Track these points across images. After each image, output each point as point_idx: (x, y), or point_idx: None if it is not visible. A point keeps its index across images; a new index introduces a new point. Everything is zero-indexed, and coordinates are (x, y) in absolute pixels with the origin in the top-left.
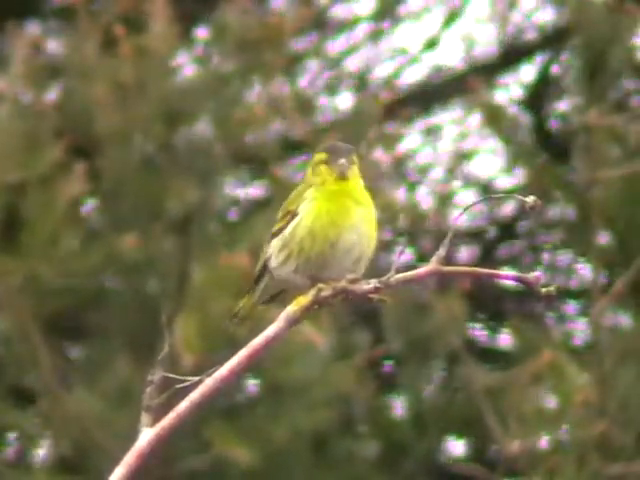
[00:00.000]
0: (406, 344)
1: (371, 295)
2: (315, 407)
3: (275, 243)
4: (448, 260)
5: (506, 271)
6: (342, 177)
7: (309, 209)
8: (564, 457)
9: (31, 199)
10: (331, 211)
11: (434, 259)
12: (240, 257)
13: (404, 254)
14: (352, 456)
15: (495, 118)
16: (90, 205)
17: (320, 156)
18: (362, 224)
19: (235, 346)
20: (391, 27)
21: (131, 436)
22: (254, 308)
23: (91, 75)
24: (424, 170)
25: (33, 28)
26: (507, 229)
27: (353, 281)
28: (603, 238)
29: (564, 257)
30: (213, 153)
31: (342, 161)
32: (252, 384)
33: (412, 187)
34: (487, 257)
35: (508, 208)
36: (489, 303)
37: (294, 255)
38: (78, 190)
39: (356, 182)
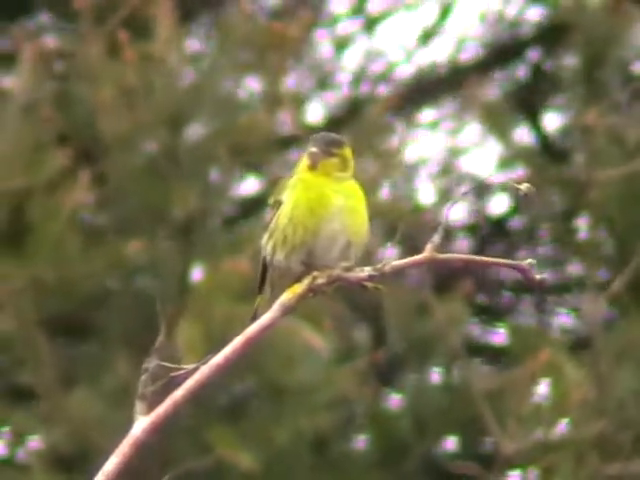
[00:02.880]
0: (407, 345)
1: (366, 283)
2: (317, 410)
3: (264, 234)
4: (442, 251)
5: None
6: (312, 166)
7: (289, 198)
8: (562, 456)
9: (36, 205)
10: (310, 199)
11: (428, 247)
12: (242, 262)
13: (398, 244)
14: (352, 458)
15: (491, 116)
16: (94, 209)
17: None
18: (345, 213)
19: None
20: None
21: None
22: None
23: (96, 79)
24: (418, 165)
25: (32, 26)
26: (500, 225)
27: (348, 269)
28: (601, 238)
29: (558, 252)
30: (217, 158)
31: (313, 150)
32: (253, 386)
33: (407, 181)
34: (480, 253)
35: (502, 204)
36: (485, 297)
37: (279, 244)
38: (83, 197)
39: (329, 172)
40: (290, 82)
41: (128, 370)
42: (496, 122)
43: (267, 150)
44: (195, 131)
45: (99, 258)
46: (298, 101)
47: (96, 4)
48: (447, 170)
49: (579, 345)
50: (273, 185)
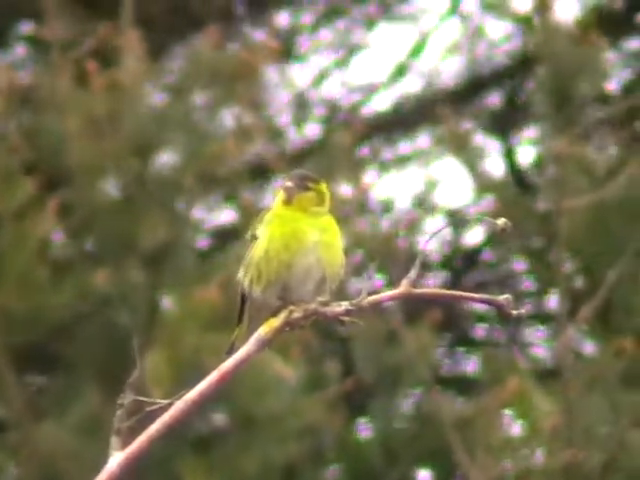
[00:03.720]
0: (377, 374)
1: (343, 317)
2: (286, 439)
3: (241, 268)
4: (418, 285)
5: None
6: (287, 200)
7: (264, 233)
8: None
9: (4, 234)
10: (285, 234)
11: (405, 282)
12: (211, 291)
13: (374, 278)
14: None
15: (462, 148)
16: (63, 239)
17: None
18: (320, 247)
19: (203, 377)
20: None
21: (100, 467)
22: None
23: (64, 108)
24: (392, 199)
25: (5, 59)
26: (474, 257)
27: (324, 303)
28: (569, 266)
29: (531, 284)
30: (185, 186)
31: (288, 184)
32: (222, 417)
33: (382, 214)
34: (455, 285)
35: (475, 237)
36: (457, 329)
37: (255, 279)
38: (50, 227)
39: (305, 206)
40: (266, 113)
41: (98, 401)
42: (468, 154)
43: (237, 179)
44: (164, 160)
45: (68, 288)
46: (271, 132)
47: (65, 34)
48: (422, 202)
49: (548, 374)
50: (246, 216)
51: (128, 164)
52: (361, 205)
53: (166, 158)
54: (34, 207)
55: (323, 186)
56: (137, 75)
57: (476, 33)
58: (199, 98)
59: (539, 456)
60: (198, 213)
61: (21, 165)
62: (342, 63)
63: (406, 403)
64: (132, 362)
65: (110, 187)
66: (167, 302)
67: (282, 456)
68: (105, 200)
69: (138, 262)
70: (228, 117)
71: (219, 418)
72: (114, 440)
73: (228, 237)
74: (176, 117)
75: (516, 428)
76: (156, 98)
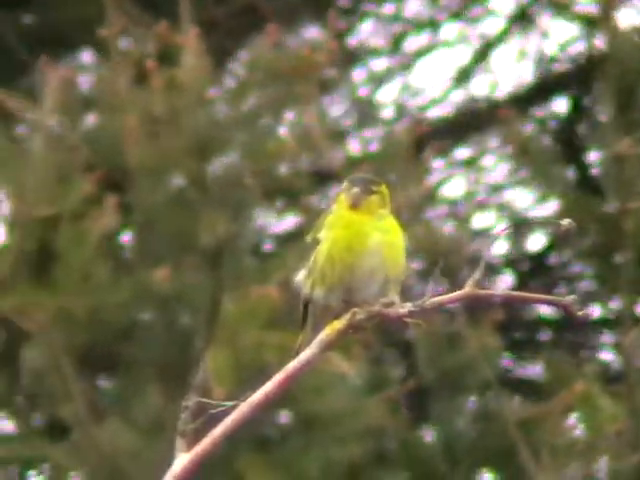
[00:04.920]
0: (439, 376)
1: (406, 319)
2: (347, 439)
3: (302, 271)
4: (482, 287)
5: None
6: (355, 206)
7: (327, 236)
8: None
9: (63, 233)
10: (347, 237)
11: (469, 282)
12: (271, 289)
13: (438, 279)
14: None
15: (527, 150)
16: (122, 238)
17: (344, 186)
18: (383, 248)
19: (266, 378)
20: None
21: (163, 467)
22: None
23: (123, 108)
24: (457, 201)
25: (67, 62)
26: (539, 261)
27: (388, 305)
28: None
29: (596, 288)
30: (245, 186)
31: (355, 190)
32: (284, 416)
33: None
34: (521, 289)
35: (540, 240)
36: (522, 332)
37: (318, 282)
38: (110, 224)
39: (372, 210)
40: (328, 117)
41: (160, 400)
42: (533, 158)
43: (299, 180)
44: (224, 159)
45: (128, 287)
46: (335, 136)
47: (123, 33)
48: (486, 205)
49: (614, 378)
50: (307, 218)
51: (188, 164)
52: (425, 207)
53: (226, 157)
54: (94, 206)
55: (384, 188)
56: (196, 74)
57: (543, 37)
58: (259, 97)
59: (605, 461)
60: (259, 215)
61: (81, 164)
62: (405, 66)
63: (469, 405)
64: (193, 361)
65: (170, 186)
66: (227, 301)
67: (344, 456)
68: (165, 199)
69: (198, 261)
70: (288, 117)
71: (281, 416)
72: (179, 442)
73: (289, 238)
74: (236, 116)
75: (581, 431)
76: (216, 97)
